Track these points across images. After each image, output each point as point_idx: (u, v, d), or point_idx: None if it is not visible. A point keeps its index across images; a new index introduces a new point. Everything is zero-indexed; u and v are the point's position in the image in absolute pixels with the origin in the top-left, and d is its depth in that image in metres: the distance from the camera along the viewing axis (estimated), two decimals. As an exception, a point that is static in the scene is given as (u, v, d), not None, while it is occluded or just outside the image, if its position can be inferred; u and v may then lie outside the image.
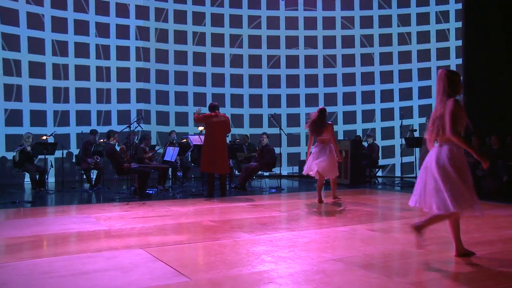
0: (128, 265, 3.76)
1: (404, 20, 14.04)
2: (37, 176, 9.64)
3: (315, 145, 7.55)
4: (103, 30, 12.84)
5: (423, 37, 13.89)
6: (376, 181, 11.73)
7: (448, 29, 13.71)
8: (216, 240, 4.75)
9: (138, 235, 5.05)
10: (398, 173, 12.23)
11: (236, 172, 11.73)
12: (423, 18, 13.91)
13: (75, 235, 5.11)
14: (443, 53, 13.72)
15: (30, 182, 9.84)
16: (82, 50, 12.57)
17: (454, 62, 13.49)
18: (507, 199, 7.92)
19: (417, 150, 11.48)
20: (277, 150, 10.96)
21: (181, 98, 13.73)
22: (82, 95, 12.59)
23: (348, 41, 14.21)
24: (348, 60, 14.23)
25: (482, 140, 9.44)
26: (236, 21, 14.16)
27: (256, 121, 14.13)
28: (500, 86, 10.12)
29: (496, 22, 10.52)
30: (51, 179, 11.08)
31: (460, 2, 12.98)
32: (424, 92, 13.79)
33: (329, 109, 14.17)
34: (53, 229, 5.42)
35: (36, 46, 11.94)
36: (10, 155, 10.52)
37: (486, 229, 5.29)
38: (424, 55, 13.89)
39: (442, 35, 13.77)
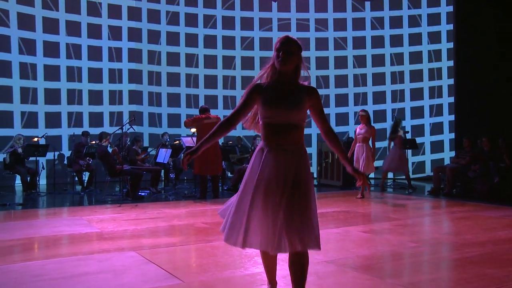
0: (120, 267, 3.75)
1: (396, 22, 14.10)
2: (28, 178, 9.57)
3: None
4: (95, 31, 12.78)
5: (415, 39, 13.95)
6: (369, 183, 11.77)
7: (440, 31, 13.78)
8: (209, 242, 4.74)
9: (130, 237, 5.04)
10: (390, 174, 12.25)
11: (229, 174, 11.72)
12: (414, 21, 13.97)
13: (67, 238, 5.08)
14: (434, 55, 13.80)
15: (21, 184, 9.76)
16: (73, 51, 12.50)
17: (445, 64, 13.57)
18: (498, 201, 7.99)
19: (409, 151, 11.52)
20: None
21: (173, 100, 13.70)
22: (74, 97, 12.52)
23: (340, 44, 14.25)
24: (341, 63, 14.27)
25: (473, 142, 9.51)
26: (228, 24, 14.16)
27: (249, 122, 14.11)
28: (490, 88, 10.22)
29: (487, 24, 10.62)
30: (42, 181, 11.00)
31: (451, 5, 13.09)
32: (416, 94, 13.85)
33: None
34: (44, 231, 5.39)
35: (29, 47, 11.86)
36: (1, 157, 10.44)
37: (477, 231, 5.33)
38: (416, 57, 13.95)
39: (433, 37, 13.84)
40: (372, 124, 8.92)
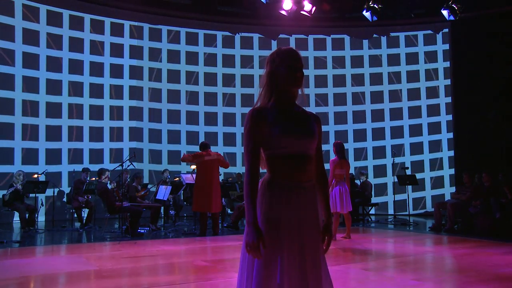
0: (118, 306, 3.68)
1: (394, 60, 14.33)
2: (27, 215, 9.50)
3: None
4: (97, 69, 12.98)
5: (413, 75, 14.15)
6: (369, 219, 11.70)
7: (437, 69, 13.99)
8: (208, 280, 4.67)
9: (129, 275, 4.97)
10: (391, 210, 12.19)
11: (229, 211, 11.66)
12: (412, 58, 14.20)
13: (64, 276, 5.01)
14: (432, 92, 13.96)
15: (19, 221, 9.69)
16: (75, 88, 12.66)
17: (443, 100, 13.71)
18: (501, 237, 7.91)
19: (409, 187, 11.50)
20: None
21: (174, 137, 13.78)
22: (75, 133, 12.60)
23: (339, 81, 14.44)
24: (340, 99, 14.42)
25: (473, 177, 9.50)
26: (228, 61, 14.39)
27: (248, 159, 14.12)
28: (489, 122, 10.31)
29: (484, 59, 10.80)
30: (41, 217, 10.93)
31: (447, 43, 13.36)
32: (415, 130, 13.94)
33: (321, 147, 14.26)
34: (41, 269, 5.32)
35: (30, 83, 12.01)
36: (0, 194, 10.40)
37: (481, 268, 5.26)
38: (413, 94, 14.11)
39: (431, 74, 14.04)
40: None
